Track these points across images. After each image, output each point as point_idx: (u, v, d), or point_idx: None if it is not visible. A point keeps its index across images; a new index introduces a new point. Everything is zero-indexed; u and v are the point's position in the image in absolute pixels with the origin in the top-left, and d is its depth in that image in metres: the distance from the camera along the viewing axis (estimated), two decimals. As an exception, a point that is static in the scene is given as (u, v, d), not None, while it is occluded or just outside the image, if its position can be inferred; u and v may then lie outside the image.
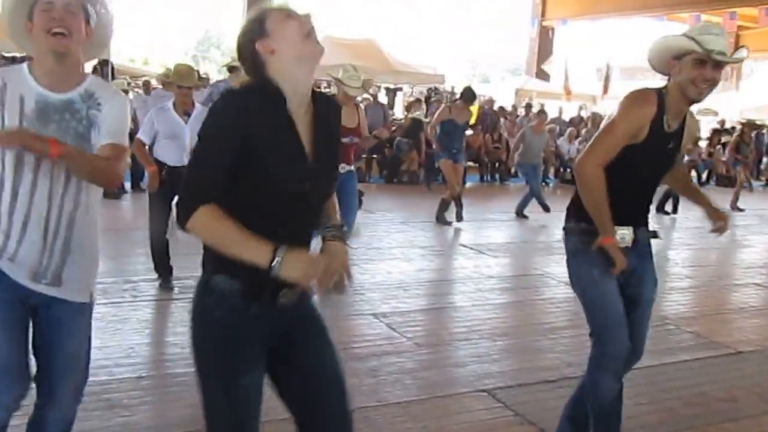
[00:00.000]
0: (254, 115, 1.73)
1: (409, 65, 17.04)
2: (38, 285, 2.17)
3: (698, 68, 2.52)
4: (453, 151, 9.10)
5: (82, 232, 2.22)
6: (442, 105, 10.21)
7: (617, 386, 2.81)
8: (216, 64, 43.76)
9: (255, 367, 1.87)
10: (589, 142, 2.69)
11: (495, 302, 5.75)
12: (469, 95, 9.30)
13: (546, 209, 10.04)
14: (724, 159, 17.60)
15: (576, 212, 2.76)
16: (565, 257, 2.88)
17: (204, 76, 13.14)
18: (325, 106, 1.92)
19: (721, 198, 14.51)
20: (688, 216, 11.46)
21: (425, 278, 6.16)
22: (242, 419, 1.86)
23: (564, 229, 2.87)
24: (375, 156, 13.59)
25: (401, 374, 3.95)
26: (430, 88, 17.81)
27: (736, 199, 12.80)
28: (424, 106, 16.74)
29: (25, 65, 2.17)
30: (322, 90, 14.57)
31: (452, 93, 19.22)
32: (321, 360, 1.98)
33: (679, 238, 10.07)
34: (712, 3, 21.03)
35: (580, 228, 2.75)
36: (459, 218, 9.07)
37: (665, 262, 8.08)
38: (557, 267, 7.29)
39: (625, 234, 2.72)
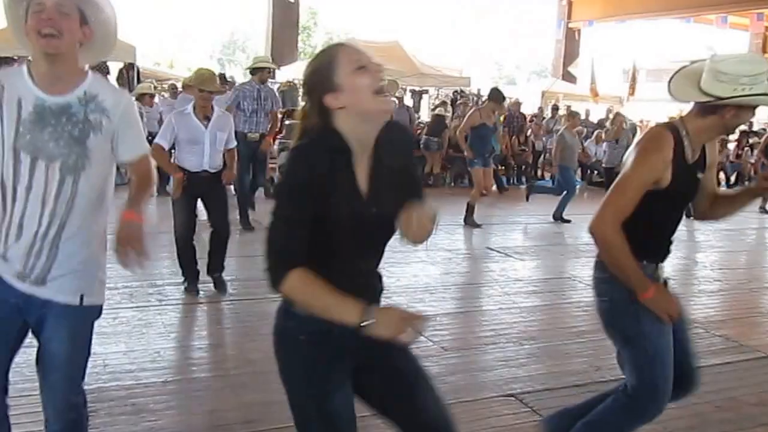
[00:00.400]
0: (322, 169, 1.76)
1: (434, 67, 17.06)
2: (22, 284, 2.16)
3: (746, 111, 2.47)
4: (486, 155, 9.12)
5: (76, 234, 2.17)
6: (472, 109, 10.08)
7: None
8: (241, 67, 44.17)
9: (344, 384, 1.91)
10: (603, 200, 2.46)
11: (522, 306, 5.74)
12: (497, 96, 9.26)
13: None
14: (752, 161, 17.35)
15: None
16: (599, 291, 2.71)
17: (229, 79, 13.25)
18: (390, 142, 1.89)
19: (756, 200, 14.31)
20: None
21: (451, 282, 6.16)
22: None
23: (601, 278, 2.67)
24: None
25: (428, 378, 3.96)
26: (455, 91, 17.79)
27: (765, 200, 12.61)
28: (450, 108, 16.74)
29: (24, 67, 2.15)
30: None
31: (478, 95, 19.19)
32: (406, 359, 2.03)
33: (707, 240, 9.95)
34: (739, 4, 20.72)
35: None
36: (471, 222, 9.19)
37: (694, 265, 8.00)
38: (584, 270, 7.25)
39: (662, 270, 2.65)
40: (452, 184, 13.74)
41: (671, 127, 2.51)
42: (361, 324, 1.71)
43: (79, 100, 2.13)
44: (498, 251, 7.67)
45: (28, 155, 2.10)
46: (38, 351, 2.25)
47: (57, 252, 2.15)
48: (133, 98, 2.30)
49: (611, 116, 17.47)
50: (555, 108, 17.57)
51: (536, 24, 42.88)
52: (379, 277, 2.05)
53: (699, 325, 5.30)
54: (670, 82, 2.55)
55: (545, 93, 19.90)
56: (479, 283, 6.18)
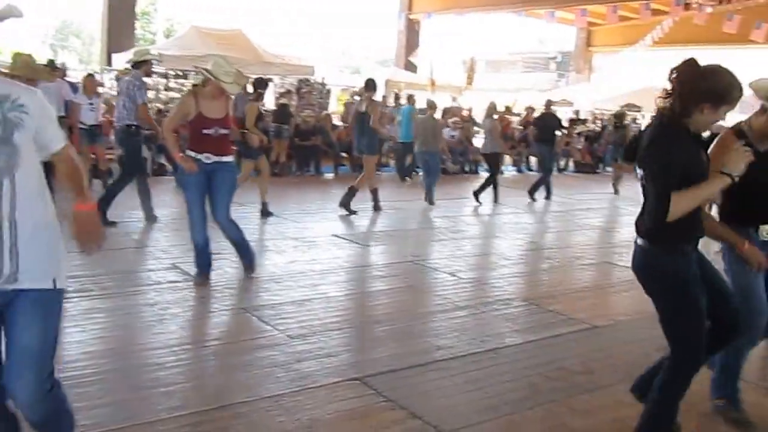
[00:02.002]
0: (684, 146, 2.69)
1: (278, 56, 16.80)
2: None
3: None
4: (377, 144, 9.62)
5: (31, 228, 2.21)
6: (361, 98, 10.19)
7: None
8: (76, 53, 41.33)
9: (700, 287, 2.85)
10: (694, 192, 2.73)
11: (367, 291, 5.81)
12: (371, 84, 9.71)
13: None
14: (579, 147, 18.70)
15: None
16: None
17: (60, 66, 12.33)
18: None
19: (582, 184, 15.43)
20: (553, 200, 12.09)
21: (297, 270, 6.10)
22: (703, 321, 2.87)
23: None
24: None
25: (273, 367, 3.89)
26: (301, 80, 17.68)
27: (617, 182, 13.84)
28: (295, 97, 16.60)
29: None
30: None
31: (323, 84, 19.17)
32: (713, 271, 3.05)
33: (540, 222, 10.59)
34: (566, 0, 22.19)
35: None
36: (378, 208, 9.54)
37: (528, 245, 8.48)
38: (429, 254, 7.48)
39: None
40: (298, 172, 13.66)
41: (735, 129, 3.23)
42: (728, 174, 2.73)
43: None
44: (344, 238, 7.71)
45: None
46: (6, 346, 2.24)
47: (18, 251, 2.18)
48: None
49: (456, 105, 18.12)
50: (397, 97, 17.91)
51: (380, 14, 43.62)
52: None
53: (532, 301, 5.62)
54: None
55: (388, 82, 20.25)
56: (325, 270, 6.17)
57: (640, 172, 2.83)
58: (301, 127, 13.77)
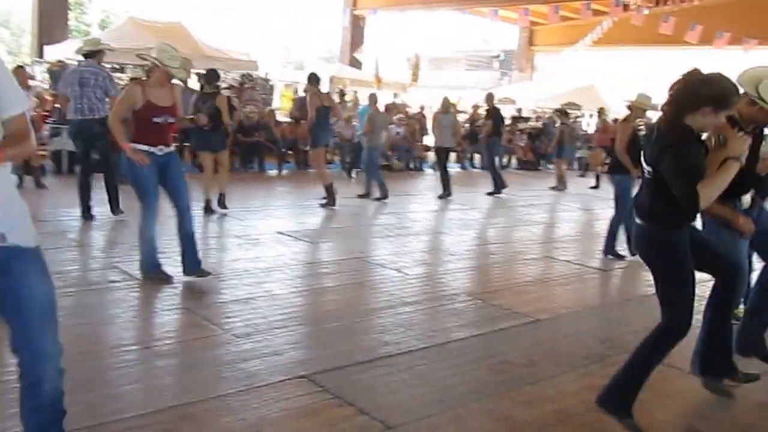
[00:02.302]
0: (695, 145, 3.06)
1: (220, 50, 16.57)
2: None
3: None
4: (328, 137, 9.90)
5: (4, 192, 2.25)
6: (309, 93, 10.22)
7: None
8: (5, 45, 39.86)
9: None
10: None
11: (313, 288, 5.78)
12: (314, 78, 9.86)
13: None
14: (522, 144, 19.01)
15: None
16: None
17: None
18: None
19: (524, 180, 15.69)
20: (496, 196, 12.26)
21: (242, 268, 6.04)
22: (694, 290, 3.24)
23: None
24: (187, 144, 13.10)
25: (218, 367, 3.85)
26: (243, 74, 17.48)
27: (561, 180, 14.15)
28: (228, 91, 16.38)
29: None
30: (124, 73, 13.55)
31: (267, 80, 18.98)
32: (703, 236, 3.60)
33: (482, 218, 10.73)
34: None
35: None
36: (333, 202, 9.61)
37: (472, 241, 8.58)
38: (374, 250, 7.49)
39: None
40: (241, 169, 13.50)
41: (729, 119, 3.37)
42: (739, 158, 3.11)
43: None
44: (288, 235, 7.66)
45: None
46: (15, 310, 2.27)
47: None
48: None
49: (400, 102, 18.18)
50: (342, 93, 17.87)
51: (324, 10, 43.40)
52: None
53: (477, 296, 5.70)
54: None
55: (333, 78, 20.19)
56: (270, 268, 6.12)
57: (648, 168, 3.20)
58: (245, 123, 13.61)
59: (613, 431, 3.38)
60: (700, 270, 3.37)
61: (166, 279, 5.37)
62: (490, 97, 13.37)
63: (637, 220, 3.33)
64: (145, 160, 5.14)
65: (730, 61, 24.74)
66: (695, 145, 3.08)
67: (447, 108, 12.07)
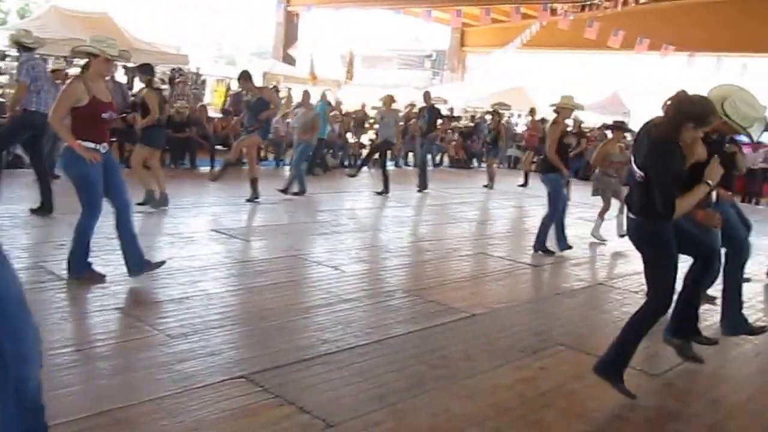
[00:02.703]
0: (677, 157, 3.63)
1: (150, 43, 16.16)
2: None
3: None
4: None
5: None
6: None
7: None
8: None
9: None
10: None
11: (250, 286, 5.71)
12: (246, 75, 9.97)
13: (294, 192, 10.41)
14: (454, 143, 19.27)
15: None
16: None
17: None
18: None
19: (456, 178, 15.89)
20: (430, 194, 12.39)
21: (175, 267, 5.90)
22: (676, 273, 3.80)
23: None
24: (114, 140, 12.73)
25: (153, 369, 3.75)
26: (174, 69, 17.09)
27: (491, 179, 14.36)
28: (168, 86, 16.02)
29: None
30: (50, 63, 13.05)
31: (198, 75, 18.63)
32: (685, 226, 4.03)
33: (417, 216, 10.82)
34: (441, 0, 22.77)
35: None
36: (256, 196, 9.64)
37: (408, 238, 8.64)
38: (310, 247, 7.46)
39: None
40: (172, 165, 13.21)
41: None
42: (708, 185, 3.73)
43: None
44: (223, 233, 7.55)
45: None
46: None
47: None
48: None
49: (336, 100, 18.11)
50: (276, 90, 17.68)
51: (257, 5, 42.88)
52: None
53: (414, 293, 5.75)
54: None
55: (266, 75, 19.98)
56: (205, 267, 6.01)
57: (639, 172, 3.73)
58: (175, 118, 13.30)
59: (547, 423, 3.49)
60: (682, 253, 3.90)
61: (99, 278, 5.22)
62: (427, 95, 13.47)
63: (631, 215, 3.89)
64: (97, 157, 4.99)
65: (649, 66, 25.77)
66: (677, 158, 3.65)
67: (388, 105, 12.13)
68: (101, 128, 5.11)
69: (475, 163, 19.64)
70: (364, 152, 15.56)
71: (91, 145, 5.03)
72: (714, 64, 19.62)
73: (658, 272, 3.83)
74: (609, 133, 10.09)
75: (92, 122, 5.05)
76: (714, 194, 4.48)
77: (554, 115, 8.01)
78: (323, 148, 14.43)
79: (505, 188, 14.46)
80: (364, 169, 15.34)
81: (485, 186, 14.29)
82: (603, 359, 3.91)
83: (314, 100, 12.67)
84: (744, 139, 4.63)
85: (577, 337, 4.98)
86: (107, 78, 5.59)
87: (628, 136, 10.15)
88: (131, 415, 3.21)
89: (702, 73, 19.91)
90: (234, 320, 4.73)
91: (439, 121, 13.68)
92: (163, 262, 5.52)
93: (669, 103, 3.66)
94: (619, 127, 9.49)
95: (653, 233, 3.80)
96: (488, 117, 17.49)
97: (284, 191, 10.56)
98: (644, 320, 3.85)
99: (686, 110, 3.59)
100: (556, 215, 7.81)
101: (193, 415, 3.25)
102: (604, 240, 8.84)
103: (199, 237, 7.24)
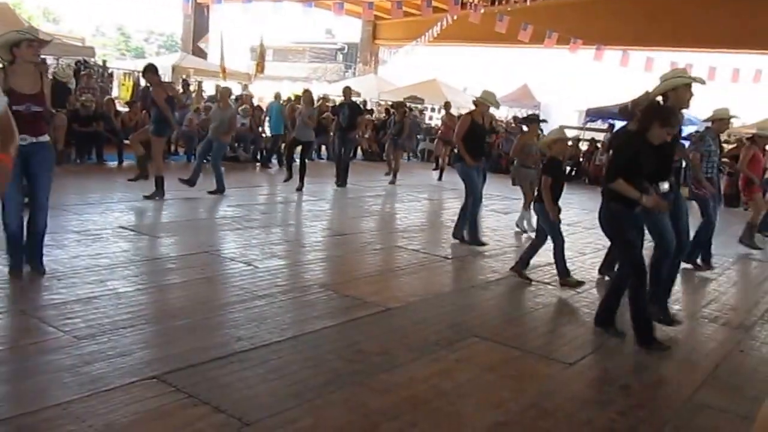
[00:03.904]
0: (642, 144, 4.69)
1: (52, 34, 15.43)
2: None
3: None
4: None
5: None
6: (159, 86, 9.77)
7: None
8: None
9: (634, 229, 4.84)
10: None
11: (160, 284, 5.56)
12: (155, 68, 9.61)
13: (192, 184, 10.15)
14: (367, 136, 19.33)
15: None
16: None
17: None
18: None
19: (369, 171, 15.95)
20: (344, 187, 12.38)
21: (82, 265, 5.68)
22: (639, 249, 4.84)
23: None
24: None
25: (59, 372, 3.60)
26: (78, 61, 16.41)
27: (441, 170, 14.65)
28: (73, 80, 15.39)
29: None
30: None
31: (105, 67, 17.97)
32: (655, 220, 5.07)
33: (330, 209, 10.81)
34: (351, -6, 22.78)
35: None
36: (162, 195, 9.34)
37: (321, 232, 8.62)
38: (222, 243, 7.33)
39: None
40: (78, 161, 12.69)
41: None
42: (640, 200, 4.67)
43: None
44: (132, 230, 7.31)
45: None
46: None
47: None
48: None
49: (246, 94, 17.85)
50: (186, 84, 17.30)
51: (164, -5, 41.61)
52: None
53: (328, 287, 5.74)
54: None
55: (176, 68, 19.46)
56: (113, 265, 5.80)
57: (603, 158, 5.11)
58: (81, 112, 12.78)
59: (463, 414, 3.56)
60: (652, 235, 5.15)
61: (16, 276, 5.03)
62: (347, 91, 13.45)
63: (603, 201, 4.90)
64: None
65: (558, 59, 26.61)
66: (641, 149, 4.67)
67: (308, 100, 12.01)
68: (17, 120, 4.85)
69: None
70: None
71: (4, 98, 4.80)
72: (620, 57, 20.44)
73: (624, 248, 4.95)
74: (524, 127, 10.34)
75: None
76: (666, 185, 5.02)
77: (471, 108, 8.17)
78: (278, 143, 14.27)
79: (419, 181, 14.63)
80: (275, 162, 15.24)
81: (389, 180, 14.15)
82: (636, 335, 4.87)
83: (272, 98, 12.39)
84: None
85: (492, 328, 5.10)
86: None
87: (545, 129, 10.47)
88: (35, 421, 3.07)
89: (608, 67, 20.79)
90: (144, 319, 4.59)
91: (360, 117, 13.63)
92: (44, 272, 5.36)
93: (638, 107, 5.01)
94: (535, 119, 9.76)
95: (613, 215, 4.85)
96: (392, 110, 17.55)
97: (188, 182, 10.24)
98: (634, 287, 4.83)
99: (653, 111, 4.69)
100: (474, 204, 7.93)
101: (103, 419, 3.14)
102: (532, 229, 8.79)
103: (107, 234, 6.99)
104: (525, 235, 9.03)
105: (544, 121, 10.15)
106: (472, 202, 7.94)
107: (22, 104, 4.87)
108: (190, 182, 10.15)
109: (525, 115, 21.27)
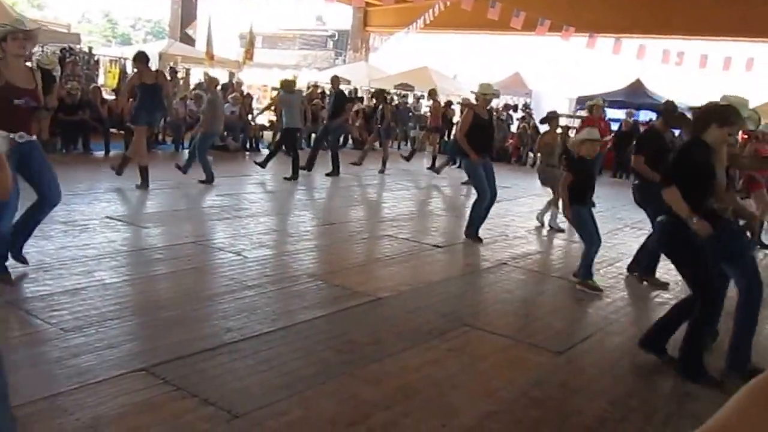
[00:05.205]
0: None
1: (36, 21, 15.23)
2: None
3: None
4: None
5: None
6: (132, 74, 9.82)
7: None
8: None
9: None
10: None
11: (148, 275, 5.52)
12: (142, 57, 9.55)
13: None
14: (357, 124, 19.23)
15: None
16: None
17: None
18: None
19: (350, 158, 15.89)
20: (333, 176, 12.33)
21: (68, 256, 5.62)
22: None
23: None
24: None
25: (46, 365, 3.57)
26: (63, 48, 16.21)
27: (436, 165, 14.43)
28: (59, 67, 15.18)
29: None
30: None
31: (91, 54, 17.78)
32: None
33: (319, 198, 10.76)
34: (344, -21, 22.59)
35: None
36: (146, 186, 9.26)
37: (304, 224, 8.58)
38: (211, 233, 7.28)
39: None
40: (64, 150, 12.56)
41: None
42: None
43: None
44: (119, 220, 7.25)
45: None
46: None
47: None
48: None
49: (237, 81, 17.68)
50: (174, 71, 17.14)
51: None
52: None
53: (318, 277, 5.71)
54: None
55: (163, 55, 19.27)
56: (100, 255, 5.74)
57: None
58: (66, 100, 12.64)
59: (455, 404, 3.54)
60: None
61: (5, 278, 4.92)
62: (335, 80, 13.36)
63: None
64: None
65: (550, 46, 26.55)
66: (703, 152, 4.13)
67: (292, 88, 11.95)
68: (13, 115, 4.76)
69: (377, 145, 19.70)
70: (266, 135, 15.35)
71: (3, 133, 4.70)
72: (612, 45, 20.37)
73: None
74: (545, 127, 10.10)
75: (3, 108, 4.70)
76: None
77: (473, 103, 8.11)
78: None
79: (409, 169, 14.59)
80: (266, 151, 15.12)
81: (379, 169, 14.04)
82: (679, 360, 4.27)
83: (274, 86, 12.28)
84: None
85: (483, 317, 5.10)
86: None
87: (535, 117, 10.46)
88: (23, 414, 3.01)
89: (600, 54, 20.71)
90: (132, 311, 4.56)
91: (348, 104, 13.57)
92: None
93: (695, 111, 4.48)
94: (554, 117, 9.50)
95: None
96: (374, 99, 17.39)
97: (182, 169, 10.19)
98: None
99: (712, 111, 4.23)
100: (484, 199, 7.82)
101: (91, 411, 3.10)
102: (562, 229, 8.65)
103: (94, 225, 6.92)
104: (545, 230, 8.88)
105: (561, 116, 10.02)
106: (479, 197, 7.85)
107: (21, 98, 4.78)
108: (208, 180, 10.16)
109: (526, 110, 21.32)
